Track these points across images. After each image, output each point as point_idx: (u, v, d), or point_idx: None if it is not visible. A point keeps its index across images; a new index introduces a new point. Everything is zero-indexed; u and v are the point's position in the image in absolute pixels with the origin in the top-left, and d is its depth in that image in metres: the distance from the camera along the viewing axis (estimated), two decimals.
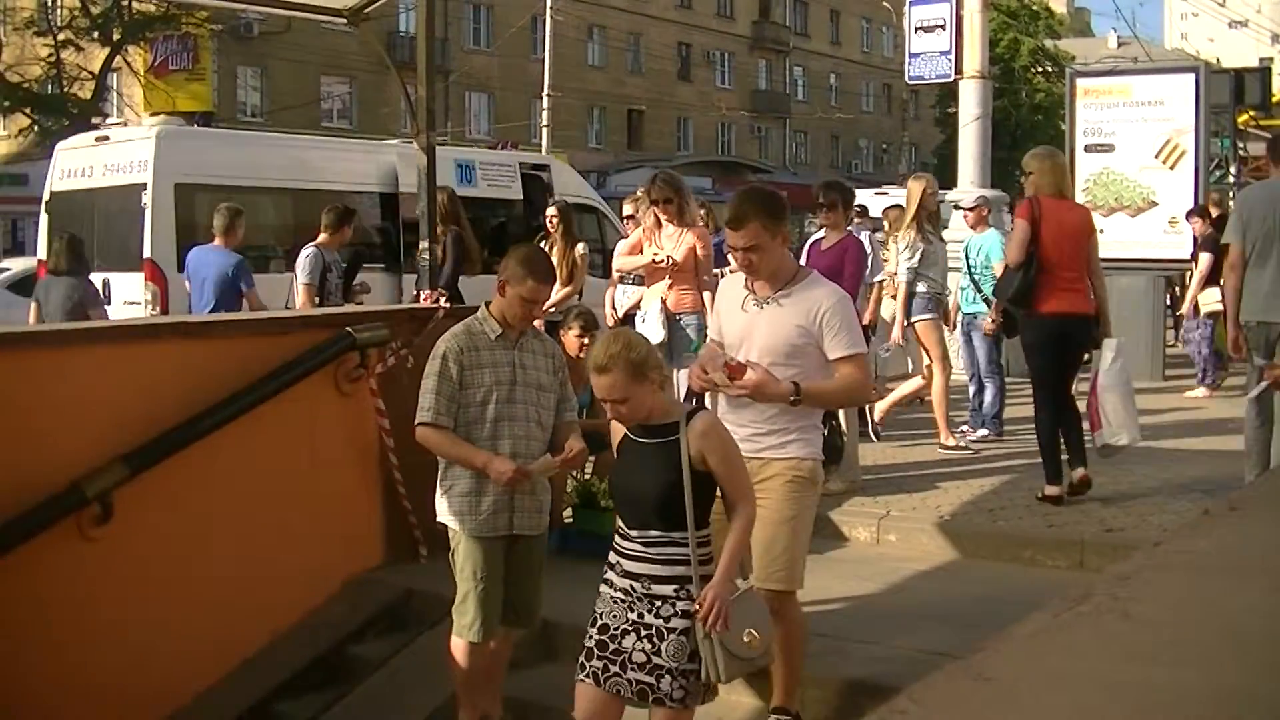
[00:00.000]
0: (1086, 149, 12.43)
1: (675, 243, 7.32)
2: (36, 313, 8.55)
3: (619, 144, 47.18)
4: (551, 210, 9.74)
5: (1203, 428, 9.03)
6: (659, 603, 3.63)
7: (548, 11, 35.08)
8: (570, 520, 6.29)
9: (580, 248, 9.62)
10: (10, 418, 4.85)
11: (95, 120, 31.90)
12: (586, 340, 6.40)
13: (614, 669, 3.64)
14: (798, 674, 4.29)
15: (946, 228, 10.55)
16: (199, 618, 5.33)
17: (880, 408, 8.76)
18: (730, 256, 4.75)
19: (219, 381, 5.49)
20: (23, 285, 14.13)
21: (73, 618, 4.95)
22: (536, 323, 4.94)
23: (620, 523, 3.78)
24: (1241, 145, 20.01)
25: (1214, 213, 12.64)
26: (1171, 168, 12.08)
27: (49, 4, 34.10)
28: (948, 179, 14.68)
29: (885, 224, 10.51)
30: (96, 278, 9.59)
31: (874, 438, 8.54)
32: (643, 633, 3.62)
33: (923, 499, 6.93)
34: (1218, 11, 58.58)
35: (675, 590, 3.64)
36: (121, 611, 5.11)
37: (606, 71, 47.45)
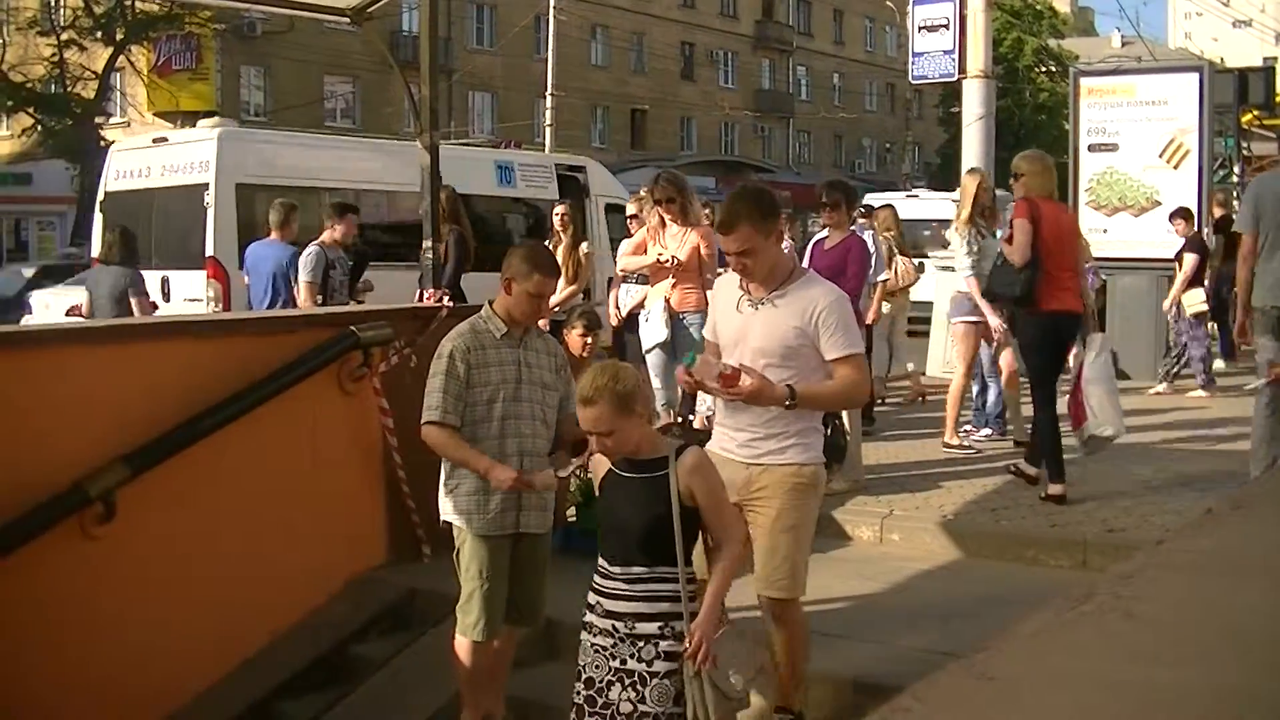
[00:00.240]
0: (1090, 148, 12.43)
1: (679, 242, 7.34)
2: (89, 300, 8.75)
3: (622, 143, 47.09)
4: (560, 209, 9.77)
5: (1204, 427, 9.04)
6: (641, 644, 3.61)
7: (551, 11, 35.04)
8: (574, 519, 6.28)
9: (584, 246, 9.63)
10: (11, 418, 4.85)
11: (98, 120, 31.99)
12: (590, 339, 6.41)
13: None
14: (801, 675, 4.28)
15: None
16: (201, 617, 5.32)
17: (949, 428, 8.35)
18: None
19: (222, 381, 5.48)
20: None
21: (74, 617, 4.94)
22: (541, 322, 4.94)
23: (601, 561, 3.75)
24: (1245, 145, 20.01)
25: (1219, 213, 12.65)
26: (1175, 167, 12.07)
27: (52, 4, 34.09)
28: (951, 179, 14.67)
29: (874, 224, 10.17)
30: (155, 275, 9.90)
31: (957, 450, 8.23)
32: (626, 681, 3.61)
33: (926, 498, 6.93)
34: (1222, 11, 58.51)
35: (660, 628, 3.62)
36: (123, 610, 5.11)
37: (609, 71, 47.40)
